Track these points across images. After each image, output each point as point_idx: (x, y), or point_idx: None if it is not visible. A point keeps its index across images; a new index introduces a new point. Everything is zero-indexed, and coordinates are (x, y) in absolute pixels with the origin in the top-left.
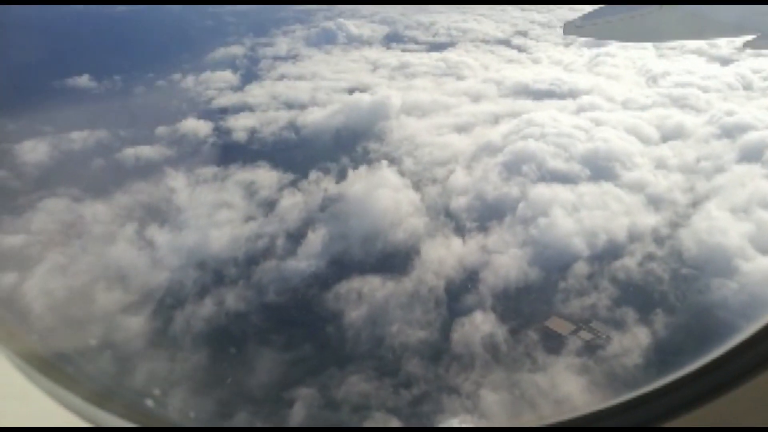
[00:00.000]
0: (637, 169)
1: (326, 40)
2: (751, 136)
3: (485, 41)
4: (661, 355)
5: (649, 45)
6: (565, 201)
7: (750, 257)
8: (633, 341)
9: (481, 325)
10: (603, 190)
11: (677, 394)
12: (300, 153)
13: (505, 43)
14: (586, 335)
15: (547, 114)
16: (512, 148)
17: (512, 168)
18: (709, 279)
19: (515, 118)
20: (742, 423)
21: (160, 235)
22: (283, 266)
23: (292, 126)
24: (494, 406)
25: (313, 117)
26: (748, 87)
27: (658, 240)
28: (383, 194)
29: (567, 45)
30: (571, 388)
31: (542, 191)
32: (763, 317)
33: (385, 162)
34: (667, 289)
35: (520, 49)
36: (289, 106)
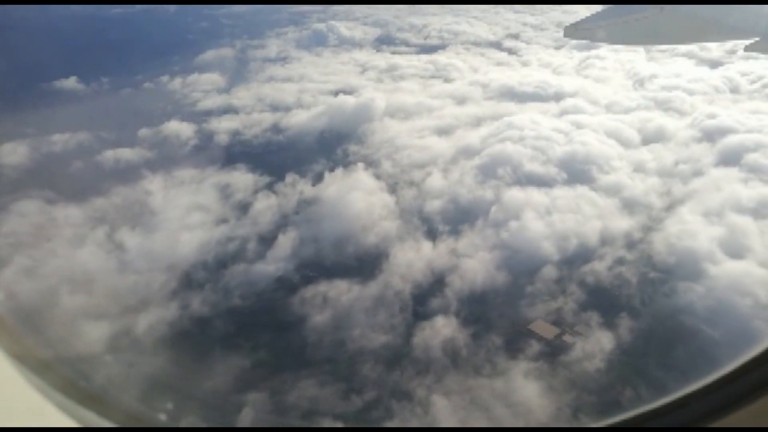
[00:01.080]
0: (615, 172)
1: (317, 42)
2: (731, 140)
3: (476, 44)
4: (623, 359)
5: (640, 48)
6: (538, 204)
7: (718, 261)
8: (595, 345)
9: (442, 329)
10: (578, 194)
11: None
12: (280, 155)
13: (497, 45)
14: (570, 339)
15: (527, 117)
16: (490, 151)
17: (488, 171)
18: (676, 283)
19: (496, 121)
20: None
21: (130, 239)
22: (251, 270)
23: (275, 128)
24: (445, 411)
25: (297, 119)
26: (735, 90)
27: (630, 244)
28: (357, 197)
29: (558, 48)
30: (528, 392)
31: (516, 195)
32: None
33: (361, 165)
34: (634, 293)
35: (511, 51)
36: (274, 108)
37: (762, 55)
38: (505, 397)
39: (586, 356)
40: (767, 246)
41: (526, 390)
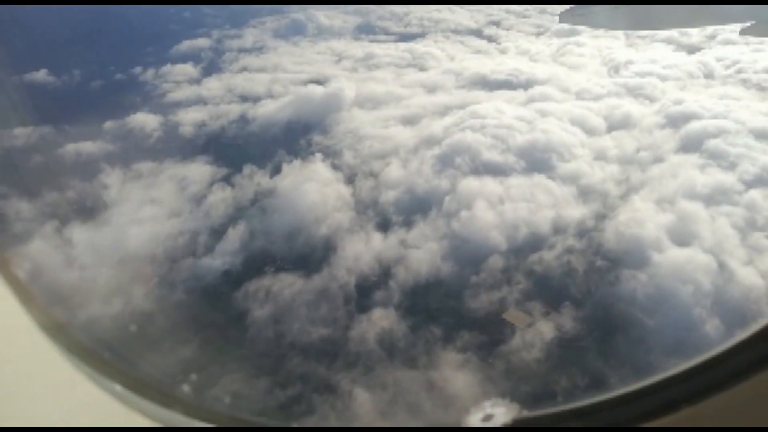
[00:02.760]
0: (575, 160)
1: (295, 31)
2: (694, 126)
3: (457, 31)
4: (561, 349)
5: (620, 34)
6: (492, 194)
7: (664, 249)
8: (536, 335)
9: (379, 322)
10: (534, 182)
11: (661, 394)
12: (243, 147)
13: (477, 33)
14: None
15: (492, 105)
16: (450, 140)
17: (446, 160)
18: (621, 271)
19: (462, 110)
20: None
21: (79, 234)
22: (198, 264)
23: (242, 119)
24: (367, 404)
25: (264, 110)
26: (709, 75)
27: (581, 232)
28: (312, 189)
29: (538, 35)
30: (460, 384)
31: (471, 184)
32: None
33: (319, 155)
34: (580, 281)
35: (491, 39)
36: (244, 99)
37: (739, 41)
38: (435, 389)
39: (525, 346)
40: (715, 232)
41: (458, 381)
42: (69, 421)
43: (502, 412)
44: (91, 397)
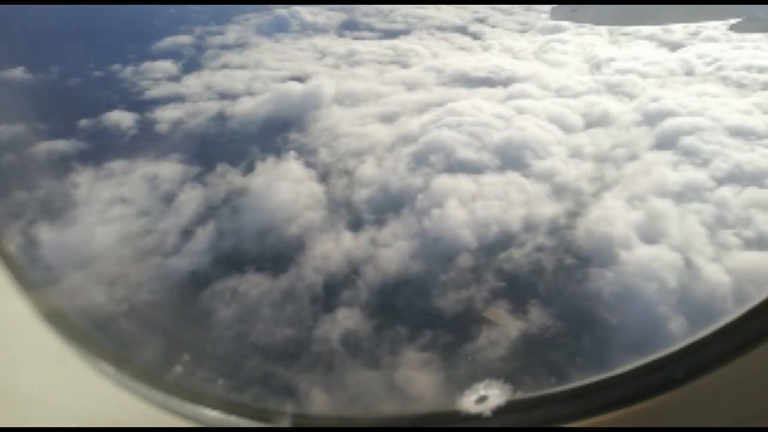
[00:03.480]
0: (550, 158)
1: (278, 28)
2: (669, 123)
3: (442, 28)
4: (527, 347)
5: (604, 31)
6: (464, 192)
7: (632, 246)
8: (502, 333)
9: (343, 321)
10: (507, 180)
11: (600, 394)
12: (218, 145)
13: (462, 30)
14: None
15: (470, 103)
16: (426, 138)
17: (421, 158)
18: (589, 269)
19: (440, 107)
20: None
21: (45, 234)
22: (165, 264)
23: (219, 117)
24: (325, 405)
25: (242, 107)
26: (689, 73)
27: (552, 230)
28: (284, 188)
29: (523, 32)
30: (422, 383)
31: (444, 182)
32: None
33: (293, 153)
34: (548, 279)
35: (475, 36)
36: (223, 96)
37: (721, 38)
38: (396, 388)
39: (491, 345)
40: (683, 230)
41: (421, 380)
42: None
43: (496, 394)
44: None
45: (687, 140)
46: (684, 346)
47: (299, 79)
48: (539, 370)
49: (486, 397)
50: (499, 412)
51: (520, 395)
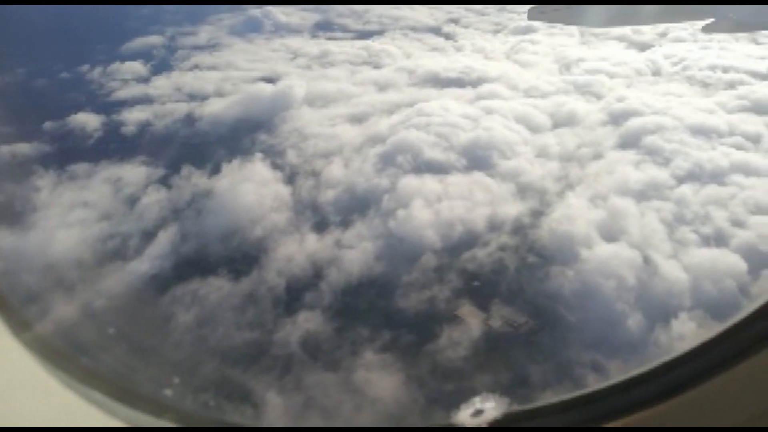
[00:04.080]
0: (516, 157)
1: (251, 28)
2: (633, 123)
3: (415, 29)
4: (487, 346)
5: (575, 32)
6: (430, 192)
7: (593, 245)
8: (463, 333)
9: (304, 324)
10: (473, 180)
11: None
12: (185, 147)
13: (436, 30)
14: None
15: (439, 103)
16: (394, 138)
17: (388, 159)
18: (550, 268)
19: (410, 108)
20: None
21: (3, 239)
22: (125, 268)
23: (187, 119)
24: (279, 409)
25: (211, 109)
26: (656, 73)
27: (516, 230)
28: (249, 189)
29: (496, 32)
30: (381, 385)
31: (410, 182)
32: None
33: (259, 155)
34: (511, 279)
35: (448, 36)
36: (192, 97)
37: (689, 38)
38: (354, 390)
39: (452, 345)
40: (643, 228)
41: (380, 382)
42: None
43: (491, 407)
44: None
45: (650, 139)
46: (688, 350)
47: (270, 80)
48: (501, 368)
49: (482, 410)
50: (495, 425)
51: (516, 408)
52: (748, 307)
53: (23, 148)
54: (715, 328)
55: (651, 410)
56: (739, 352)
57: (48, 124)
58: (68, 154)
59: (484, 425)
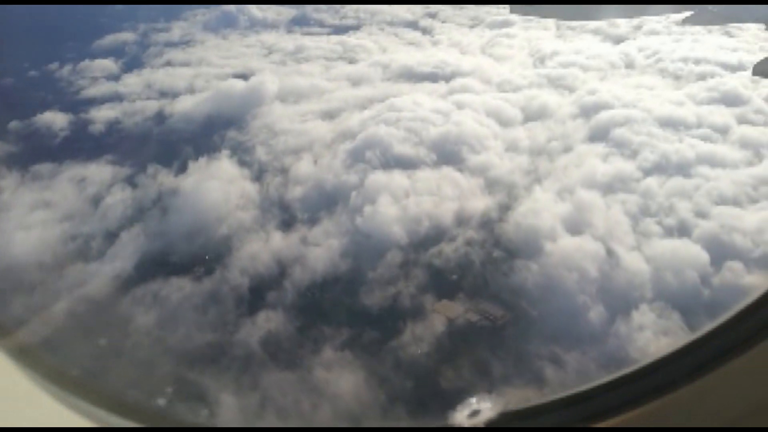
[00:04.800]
0: (486, 152)
1: (226, 24)
2: (603, 116)
3: (392, 23)
4: (450, 342)
5: (551, 25)
6: (398, 188)
7: (557, 238)
8: (426, 329)
9: (266, 323)
10: (442, 175)
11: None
12: (153, 145)
13: (413, 24)
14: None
15: (410, 98)
16: (364, 134)
17: (357, 155)
18: (514, 262)
19: (381, 103)
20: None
21: None
22: (86, 269)
23: (157, 116)
24: (234, 410)
25: (181, 106)
26: (629, 65)
27: (482, 224)
28: (215, 187)
29: (473, 26)
30: (341, 384)
31: (378, 178)
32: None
33: (226, 152)
34: (476, 273)
35: (425, 31)
36: (163, 94)
37: (663, 31)
38: (313, 389)
39: (415, 341)
40: (607, 220)
41: (340, 380)
42: None
43: (487, 407)
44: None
45: (618, 132)
46: (682, 347)
47: (243, 76)
48: (462, 364)
49: (479, 411)
50: (492, 425)
51: (512, 407)
52: (740, 303)
53: None
54: (706, 326)
55: (643, 408)
56: (729, 349)
57: (13, 124)
58: (33, 154)
59: (482, 425)
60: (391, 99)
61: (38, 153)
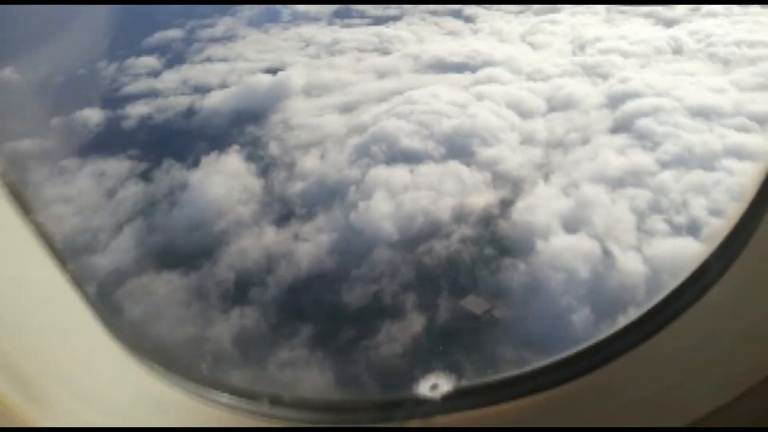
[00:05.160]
0: (498, 145)
1: (269, 18)
2: (629, 106)
3: (435, 12)
4: (427, 342)
5: (601, 9)
6: (397, 183)
7: (550, 236)
8: (403, 328)
9: (242, 320)
10: (446, 169)
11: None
12: (175, 140)
13: (456, 13)
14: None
15: (428, 90)
16: (374, 128)
17: (364, 149)
18: (502, 261)
19: (400, 95)
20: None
21: None
22: (88, 262)
23: (187, 112)
24: None
25: (210, 101)
26: (677, 50)
27: (479, 221)
28: (219, 182)
29: (518, 13)
30: (308, 381)
31: (379, 173)
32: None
33: (236, 147)
34: (464, 272)
35: (468, 19)
36: (197, 90)
37: (721, 12)
38: (279, 387)
39: (389, 340)
40: (609, 217)
41: (308, 377)
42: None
43: (445, 382)
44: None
45: (643, 122)
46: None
47: (276, 70)
48: (436, 365)
49: (437, 384)
50: (447, 397)
51: (465, 383)
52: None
53: (25, 144)
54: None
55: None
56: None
57: (55, 120)
58: (65, 149)
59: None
60: (408, 91)
61: (70, 148)
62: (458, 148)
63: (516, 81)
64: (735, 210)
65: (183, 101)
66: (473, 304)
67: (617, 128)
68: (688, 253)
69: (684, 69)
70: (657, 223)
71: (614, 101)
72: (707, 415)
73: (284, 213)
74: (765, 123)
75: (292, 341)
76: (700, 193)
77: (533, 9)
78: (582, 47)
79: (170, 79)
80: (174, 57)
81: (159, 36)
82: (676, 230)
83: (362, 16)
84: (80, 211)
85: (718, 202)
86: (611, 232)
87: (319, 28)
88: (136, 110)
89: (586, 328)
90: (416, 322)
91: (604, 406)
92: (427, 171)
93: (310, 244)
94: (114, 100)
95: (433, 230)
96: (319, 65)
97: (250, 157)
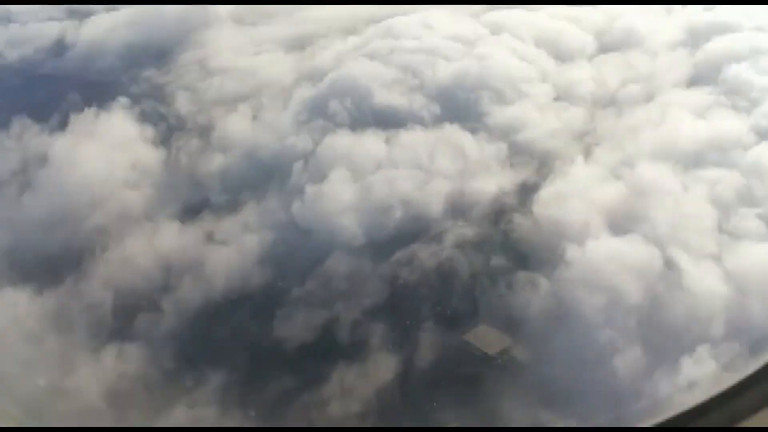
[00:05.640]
0: (521, 102)
1: None
2: (716, 45)
3: None
4: (410, 405)
5: None
6: (366, 157)
7: (589, 238)
8: (372, 377)
9: (117, 363)
10: (441, 138)
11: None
12: (34, 89)
13: None
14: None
15: (419, 18)
16: (335, 74)
17: (318, 107)
18: (516, 275)
19: (376, 25)
20: None
21: None
22: None
23: (57, 46)
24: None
25: (88, 31)
26: None
27: (485, 216)
28: (98, 154)
29: None
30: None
31: (338, 143)
32: None
33: (123, 100)
34: (457, 292)
35: None
36: (72, 14)
37: None
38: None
39: (343, 394)
40: (677, 211)
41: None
42: None
43: None
44: None
45: (734, 70)
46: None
47: None
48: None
49: None
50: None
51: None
52: None
53: None
54: None
55: None
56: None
57: None
58: None
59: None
60: (388, 19)
61: None
62: (459, 106)
63: (550, 5)
64: None
65: (49, 30)
66: (480, 339)
67: (698, 78)
68: None
69: None
70: (747, 220)
71: (696, 38)
72: None
73: (193, 201)
74: None
75: (192, 396)
76: None
77: None
78: None
79: None
80: None
81: None
82: None
83: None
84: None
85: None
86: (678, 234)
87: None
88: None
89: (635, 380)
90: (385, 369)
91: None
92: (412, 140)
93: (230, 250)
94: None
95: (416, 229)
96: None
97: (145, 117)
